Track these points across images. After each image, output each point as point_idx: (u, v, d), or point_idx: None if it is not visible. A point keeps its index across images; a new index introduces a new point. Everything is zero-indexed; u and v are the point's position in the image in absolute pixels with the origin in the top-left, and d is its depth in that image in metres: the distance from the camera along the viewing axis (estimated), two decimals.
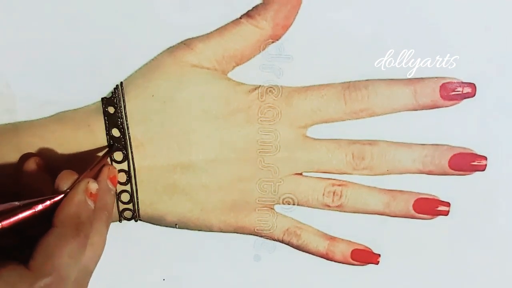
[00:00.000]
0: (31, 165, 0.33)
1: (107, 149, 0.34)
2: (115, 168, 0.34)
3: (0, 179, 0.34)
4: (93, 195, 0.31)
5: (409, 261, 0.37)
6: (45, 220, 0.29)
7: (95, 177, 0.33)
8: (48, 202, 0.29)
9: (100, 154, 0.34)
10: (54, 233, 0.28)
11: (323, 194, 0.36)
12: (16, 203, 0.28)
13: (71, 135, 0.34)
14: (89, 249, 0.30)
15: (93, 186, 0.31)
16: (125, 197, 0.35)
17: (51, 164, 0.34)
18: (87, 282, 0.31)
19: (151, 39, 0.34)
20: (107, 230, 0.32)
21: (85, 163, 0.33)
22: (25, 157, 0.34)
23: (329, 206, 0.36)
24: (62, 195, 0.30)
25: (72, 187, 0.30)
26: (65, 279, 0.27)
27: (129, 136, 0.34)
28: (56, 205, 0.29)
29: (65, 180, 0.31)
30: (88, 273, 0.31)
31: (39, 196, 0.30)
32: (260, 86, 0.35)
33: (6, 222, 0.28)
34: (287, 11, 0.34)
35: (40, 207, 0.29)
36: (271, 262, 0.37)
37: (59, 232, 0.28)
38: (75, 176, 0.31)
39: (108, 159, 0.34)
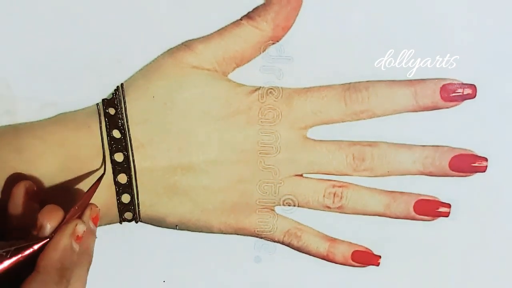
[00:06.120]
0: (20, 191, 0.32)
1: (93, 183, 0.32)
2: (97, 207, 0.32)
3: None
4: (80, 238, 0.30)
5: (410, 262, 0.37)
6: (32, 262, 0.29)
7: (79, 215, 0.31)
8: (36, 247, 0.29)
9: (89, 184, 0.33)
10: (37, 280, 0.28)
11: (324, 196, 0.36)
12: (0, 251, 0.28)
13: (71, 136, 0.34)
14: None
15: (81, 228, 0.30)
16: (125, 198, 0.35)
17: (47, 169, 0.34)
18: None
19: (151, 41, 0.35)
20: (87, 274, 0.32)
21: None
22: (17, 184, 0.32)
23: (329, 207, 0.36)
24: (49, 239, 0.29)
25: (57, 230, 0.29)
26: None
27: (129, 137, 0.34)
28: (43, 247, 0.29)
29: (48, 219, 0.30)
30: None
31: (23, 224, 0.30)
32: (260, 87, 0.35)
33: None
34: (287, 13, 0.34)
35: (26, 252, 0.28)
36: (271, 263, 0.37)
37: (42, 278, 0.28)
38: (60, 214, 0.30)
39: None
